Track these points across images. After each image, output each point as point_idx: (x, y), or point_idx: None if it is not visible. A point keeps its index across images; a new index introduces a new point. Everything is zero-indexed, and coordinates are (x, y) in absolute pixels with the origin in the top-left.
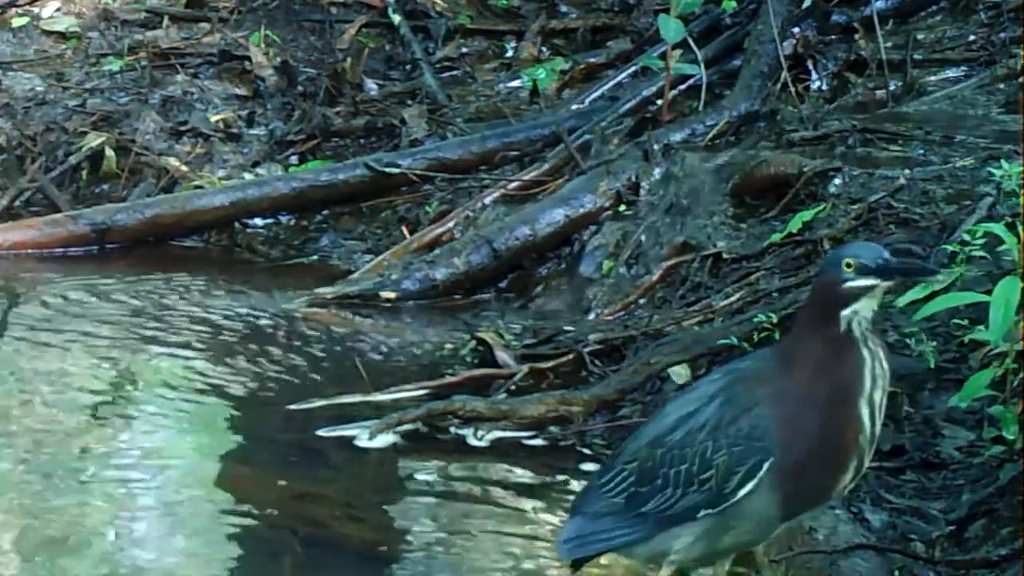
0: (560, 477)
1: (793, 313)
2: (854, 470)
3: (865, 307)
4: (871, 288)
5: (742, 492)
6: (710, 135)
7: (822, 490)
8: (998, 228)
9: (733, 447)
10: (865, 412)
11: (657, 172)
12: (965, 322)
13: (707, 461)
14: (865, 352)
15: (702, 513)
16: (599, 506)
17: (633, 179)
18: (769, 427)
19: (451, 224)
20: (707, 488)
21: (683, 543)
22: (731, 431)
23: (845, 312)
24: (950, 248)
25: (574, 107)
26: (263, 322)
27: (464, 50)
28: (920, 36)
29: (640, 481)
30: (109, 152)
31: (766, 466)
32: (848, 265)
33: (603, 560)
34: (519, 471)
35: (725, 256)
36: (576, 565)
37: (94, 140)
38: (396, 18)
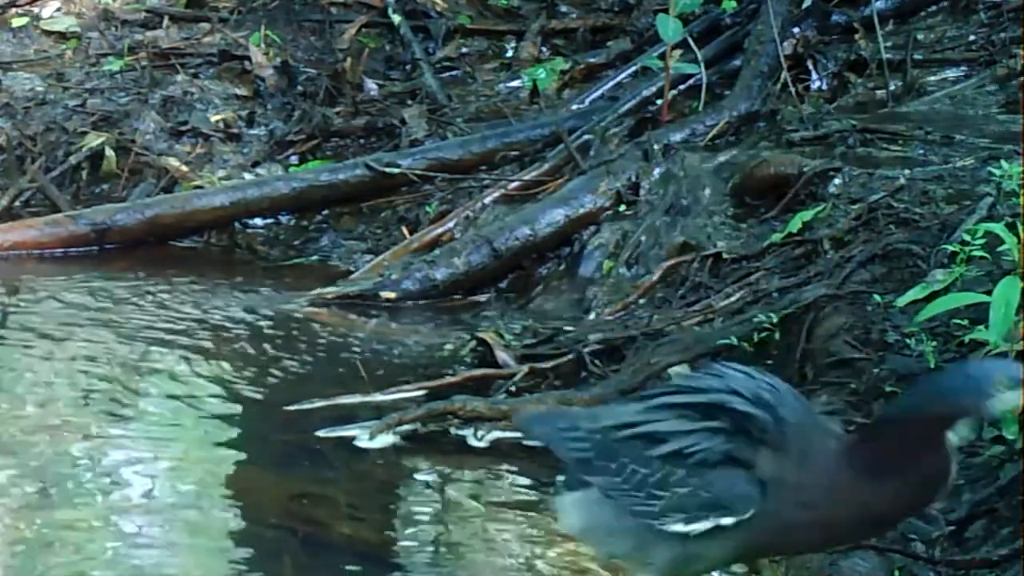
0: (560, 478)
1: (793, 313)
2: None
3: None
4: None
5: (675, 528)
6: (710, 135)
7: (804, 549)
8: (998, 228)
9: (700, 491)
10: None
11: (657, 172)
12: (965, 322)
13: (667, 483)
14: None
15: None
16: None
17: (633, 179)
18: (754, 495)
19: (451, 224)
20: (651, 506)
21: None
22: (709, 476)
23: (952, 434)
24: (950, 248)
25: (574, 107)
26: (263, 322)
27: (464, 50)
28: (920, 36)
29: (597, 454)
30: (109, 152)
31: (713, 520)
32: (1002, 385)
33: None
34: (519, 471)
35: (725, 256)
36: None
37: (94, 140)
38: (396, 18)
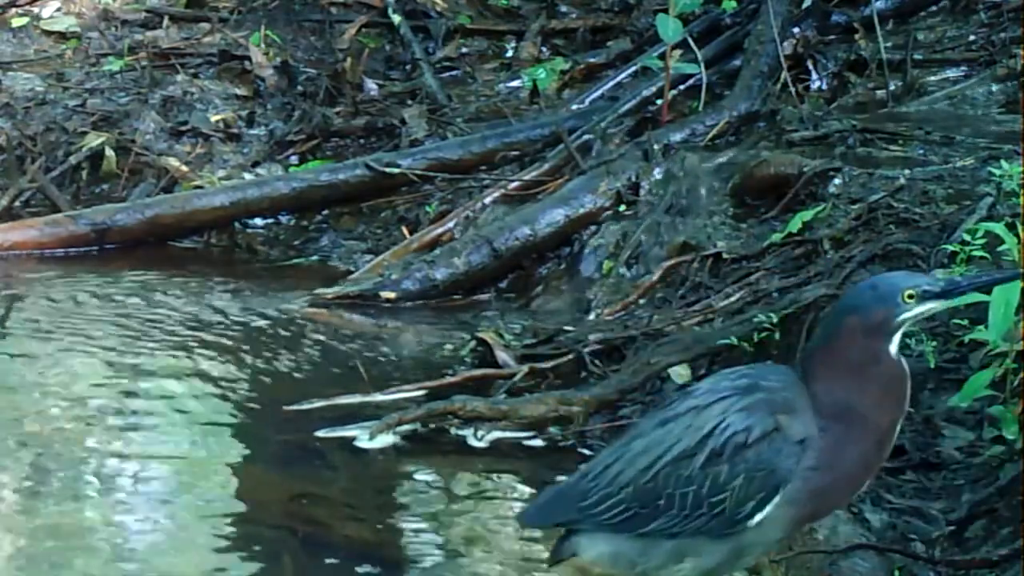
0: (560, 478)
1: (793, 313)
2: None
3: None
4: (930, 312)
5: (757, 518)
6: (710, 135)
7: (834, 507)
8: (998, 228)
9: (754, 472)
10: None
11: (657, 172)
12: (965, 322)
13: (719, 486)
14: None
15: (707, 539)
16: (585, 523)
17: (633, 179)
18: (798, 454)
19: (451, 224)
20: (718, 513)
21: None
22: (750, 455)
23: (893, 345)
24: (950, 248)
25: (574, 107)
26: (263, 322)
27: (464, 50)
28: (920, 36)
29: (641, 504)
30: (109, 152)
31: (781, 492)
32: (910, 296)
33: None
34: (519, 472)
35: (725, 256)
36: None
37: (94, 140)
38: (396, 18)
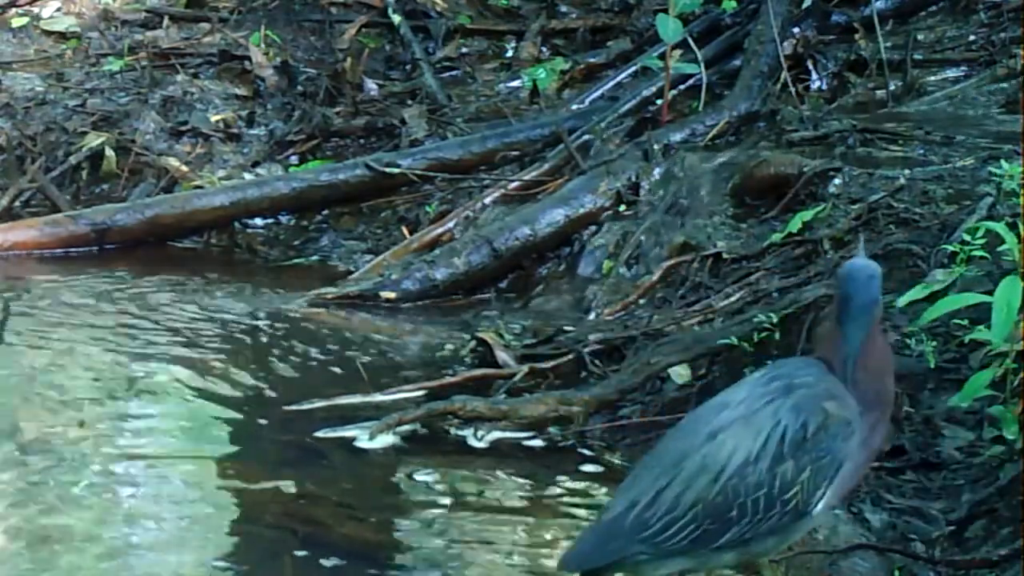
0: (560, 478)
1: (793, 313)
2: None
3: None
4: None
5: (821, 505)
6: (710, 135)
7: (854, 487)
8: (998, 227)
9: (818, 462)
10: None
11: (657, 172)
12: (965, 322)
13: (788, 482)
14: None
15: (774, 536)
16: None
17: (633, 179)
18: (849, 436)
19: (451, 224)
20: (790, 508)
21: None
22: (810, 447)
23: None
24: (950, 248)
25: (574, 107)
26: (263, 322)
27: (464, 50)
28: (920, 36)
29: (712, 520)
30: (109, 152)
31: (837, 471)
32: None
33: None
34: (519, 472)
35: (725, 256)
36: None
37: (94, 140)
38: (396, 18)
